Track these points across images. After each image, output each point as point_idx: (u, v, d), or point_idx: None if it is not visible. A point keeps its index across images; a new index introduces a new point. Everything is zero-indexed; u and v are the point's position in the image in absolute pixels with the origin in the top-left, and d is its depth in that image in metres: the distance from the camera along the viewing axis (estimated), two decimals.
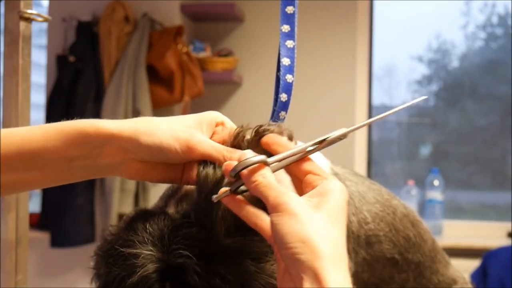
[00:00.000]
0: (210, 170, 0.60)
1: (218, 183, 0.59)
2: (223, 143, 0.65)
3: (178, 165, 0.65)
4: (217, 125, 0.66)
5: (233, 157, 0.61)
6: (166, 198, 0.70)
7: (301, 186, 0.58)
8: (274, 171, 0.57)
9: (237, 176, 0.56)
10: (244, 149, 0.62)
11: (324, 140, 0.60)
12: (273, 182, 0.54)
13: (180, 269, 0.58)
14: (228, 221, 0.60)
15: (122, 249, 0.59)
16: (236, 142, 0.63)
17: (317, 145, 0.60)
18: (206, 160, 0.62)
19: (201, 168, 0.61)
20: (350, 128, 0.61)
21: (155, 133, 0.62)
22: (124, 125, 0.62)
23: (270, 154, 0.59)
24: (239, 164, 0.56)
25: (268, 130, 0.62)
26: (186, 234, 0.59)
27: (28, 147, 0.61)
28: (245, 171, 0.55)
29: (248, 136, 0.63)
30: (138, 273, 0.58)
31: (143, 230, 0.60)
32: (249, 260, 0.59)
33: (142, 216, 0.63)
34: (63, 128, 0.62)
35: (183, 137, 0.62)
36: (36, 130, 0.62)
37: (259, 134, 0.62)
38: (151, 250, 0.59)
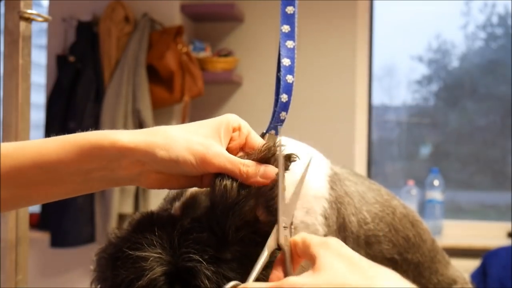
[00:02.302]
0: (226, 182, 0.61)
1: (233, 196, 0.60)
2: (240, 149, 0.65)
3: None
4: (233, 130, 0.66)
5: (249, 171, 0.61)
6: (171, 200, 0.70)
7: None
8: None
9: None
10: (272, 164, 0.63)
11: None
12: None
13: (190, 272, 0.58)
14: (242, 232, 0.60)
15: (130, 252, 0.59)
16: (264, 158, 0.63)
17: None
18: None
19: (217, 180, 0.61)
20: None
21: (171, 147, 0.61)
22: (140, 138, 0.62)
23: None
24: None
25: (296, 157, 0.63)
26: (197, 238, 0.59)
27: (44, 159, 0.61)
28: None
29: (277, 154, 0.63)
30: (147, 276, 0.58)
31: (152, 233, 0.60)
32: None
33: (150, 219, 0.63)
34: (78, 141, 0.62)
35: (199, 151, 0.61)
36: (51, 142, 0.62)
37: (289, 159, 0.64)
38: (159, 253, 0.59)
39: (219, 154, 0.62)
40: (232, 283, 0.55)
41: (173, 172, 0.63)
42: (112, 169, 0.62)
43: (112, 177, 0.63)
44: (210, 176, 0.63)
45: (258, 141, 0.67)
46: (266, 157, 0.63)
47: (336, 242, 0.54)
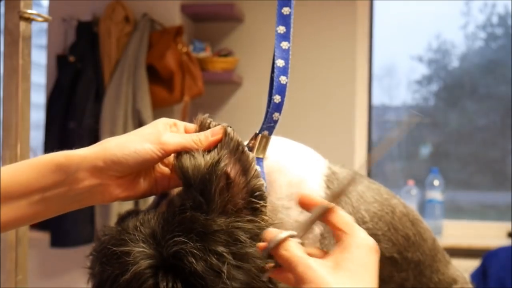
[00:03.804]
0: (188, 155, 0.63)
1: (201, 163, 0.62)
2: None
3: (159, 175, 0.68)
4: (170, 127, 0.68)
5: (201, 138, 0.65)
6: (158, 199, 0.71)
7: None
8: (302, 239, 0.58)
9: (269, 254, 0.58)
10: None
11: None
12: (295, 255, 0.55)
13: (175, 257, 0.59)
14: (225, 198, 0.62)
15: (114, 248, 0.60)
16: (203, 127, 0.67)
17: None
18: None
19: (181, 157, 0.63)
20: None
21: (125, 144, 0.63)
22: (93, 147, 0.64)
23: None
24: (272, 241, 0.57)
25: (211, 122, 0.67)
26: (180, 220, 0.60)
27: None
28: (274, 248, 0.57)
29: (213, 123, 0.67)
30: (131, 271, 0.58)
31: (134, 229, 0.61)
32: (246, 238, 0.61)
33: (133, 215, 0.64)
34: (34, 161, 0.63)
35: (153, 136, 0.64)
36: (11, 167, 0.63)
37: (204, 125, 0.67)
38: (143, 247, 0.60)
39: (171, 135, 0.65)
40: (287, 233, 0.57)
41: (134, 168, 0.64)
42: (70, 184, 0.62)
43: (72, 194, 0.63)
44: (169, 174, 0.67)
45: (194, 126, 0.70)
46: (204, 125, 0.67)
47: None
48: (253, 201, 0.64)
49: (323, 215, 0.59)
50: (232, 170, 0.64)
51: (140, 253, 0.59)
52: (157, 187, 0.68)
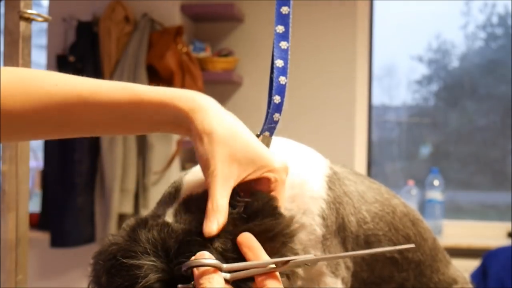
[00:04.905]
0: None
1: None
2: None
3: None
4: (268, 179, 0.68)
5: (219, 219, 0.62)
6: (164, 205, 0.70)
7: None
8: (230, 279, 0.57)
9: (190, 272, 0.57)
10: None
11: (289, 261, 0.59)
12: None
13: (185, 279, 0.58)
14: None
15: (124, 260, 0.59)
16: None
17: (282, 265, 0.59)
18: None
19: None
20: (318, 257, 0.60)
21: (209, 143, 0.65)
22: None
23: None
24: (192, 261, 0.56)
25: None
26: (192, 241, 0.60)
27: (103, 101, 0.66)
28: (196, 270, 0.56)
29: None
30: (141, 284, 0.58)
31: (145, 241, 0.60)
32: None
33: (143, 225, 0.63)
34: (149, 97, 0.67)
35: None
36: (120, 93, 0.67)
37: None
38: (153, 261, 0.59)
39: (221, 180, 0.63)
40: (213, 261, 0.56)
41: None
42: (177, 125, 0.67)
43: (176, 131, 0.69)
44: None
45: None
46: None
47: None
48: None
49: (261, 272, 0.58)
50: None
51: (151, 267, 0.58)
52: None
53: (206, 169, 0.63)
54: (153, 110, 0.66)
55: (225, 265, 0.57)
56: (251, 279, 0.58)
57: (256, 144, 0.65)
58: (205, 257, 0.57)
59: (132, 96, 0.66)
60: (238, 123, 0.65)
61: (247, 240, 0.60)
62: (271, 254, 0.60)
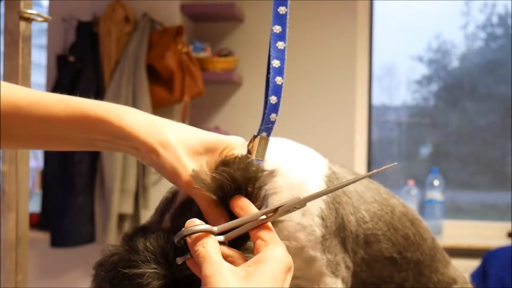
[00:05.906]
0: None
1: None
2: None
3: None
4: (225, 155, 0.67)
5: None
6: (161, 212, 0.70)
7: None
8: (225, 239, 0.57)
9: (183, 241, 0.57)
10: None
11: (278, 208, 0.60)
12: (211, 253, 0.54)
13: (187, 280, 0.59)
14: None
15: (126, 271, 0.60)
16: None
17: (272, 214, 0.59)
18: None
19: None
20: (306, 196, 0.61)
21: (165, 154, 0.63)
22: (145, 127, 0.64)
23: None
24: (183, 230, 0.56)
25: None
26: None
27: (51, 123, 0.64)
28: (188, 239, 0.56)
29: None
30: None
31: (145, 250, 0.61)
32: None
33: (141, 234, 0.64)
34: (87, 112, 0.64)
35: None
36: (58, 107, 0.64)
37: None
38: (155, 268, 0.59)
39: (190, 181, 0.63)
40: (206, 227, 0.56)
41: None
42: (114, 143, 0.65)
43: (116, 148, 0.66)
44: None
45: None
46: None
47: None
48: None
49: (253, 225, 0.58)
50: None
51: (153, 274, 0.59)
52: None
53: (176, 177, 0.63)
54: (91, 125, 0.64)
55: (216, 228, 0.57)
56: (246, 236, 0.59)
57: (206, 132, 0.65)
58: (196, 223, 0.57)
59: (71, 110, 0.64)
60: (171, 121, 0.66)
61: (238, 200, 0.60)
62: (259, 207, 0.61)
